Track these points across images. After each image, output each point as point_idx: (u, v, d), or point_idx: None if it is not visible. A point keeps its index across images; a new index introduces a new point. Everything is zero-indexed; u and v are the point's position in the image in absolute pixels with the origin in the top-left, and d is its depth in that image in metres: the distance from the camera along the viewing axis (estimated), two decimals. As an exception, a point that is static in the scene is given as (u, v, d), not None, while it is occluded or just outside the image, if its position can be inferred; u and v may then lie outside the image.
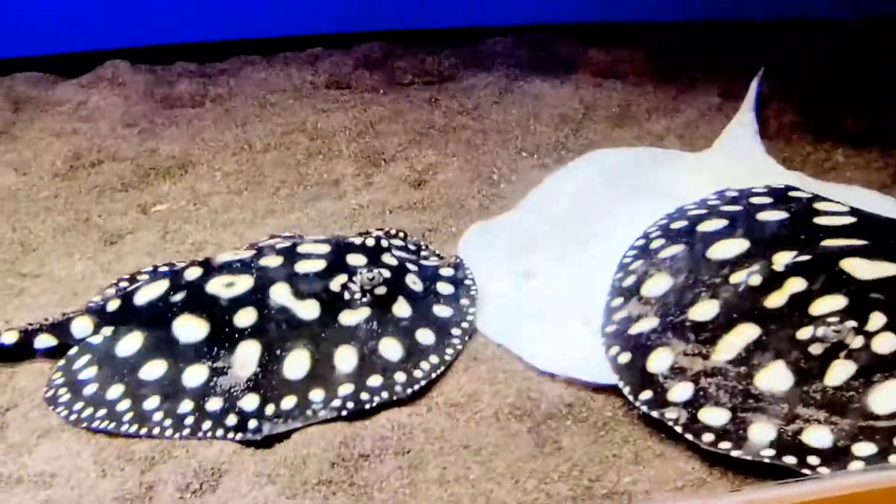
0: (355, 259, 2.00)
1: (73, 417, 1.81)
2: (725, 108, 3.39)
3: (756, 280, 1.76)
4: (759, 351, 1.66)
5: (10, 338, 2.03)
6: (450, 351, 1.89)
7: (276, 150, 3.13)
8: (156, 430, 1.77)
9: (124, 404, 1.82)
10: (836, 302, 1.69)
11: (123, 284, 2.23)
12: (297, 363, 1.81)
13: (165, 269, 2.26)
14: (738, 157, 2.84)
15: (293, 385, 1.78)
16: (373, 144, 3.18)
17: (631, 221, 2.34)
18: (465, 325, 1.97)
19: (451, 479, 1.66)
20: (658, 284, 1.88)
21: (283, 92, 3.79)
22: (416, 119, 3.39)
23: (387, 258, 2.03)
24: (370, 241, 2.05)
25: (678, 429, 1.63)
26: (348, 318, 1.88)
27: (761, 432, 1.56)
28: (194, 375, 1.83)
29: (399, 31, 4.31)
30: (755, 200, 2.14)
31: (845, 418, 1.57)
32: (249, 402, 1.77)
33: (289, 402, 1.76)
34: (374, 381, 1.81)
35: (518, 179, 2.95)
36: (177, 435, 1.75)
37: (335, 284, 1.93)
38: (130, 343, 1.95)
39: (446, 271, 2.16)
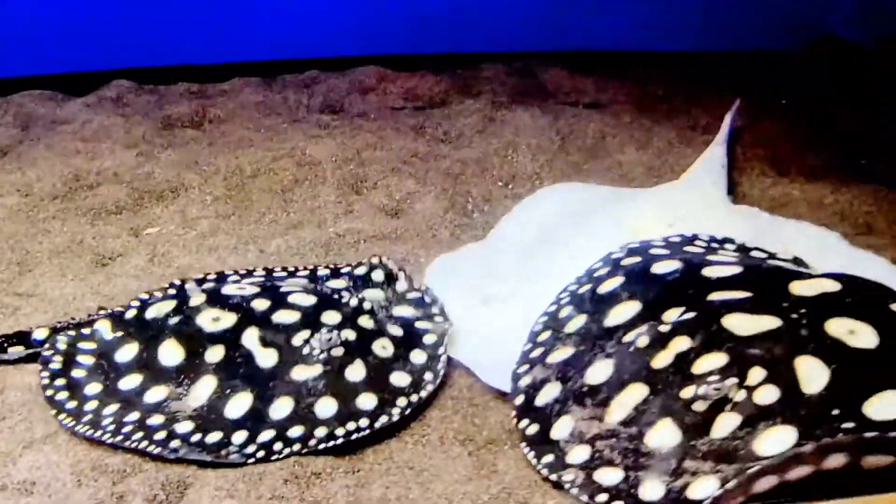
0: (330, 317, 2.09)
1: (58, 412, 2.00)
2: (696, 142, 3.53)
3: (643, 341, 1.87)
4: (648, 410, 1.77)
5: (41, 334, 2.24)
6: (384, 418, 1.96)
7: (265, 176, 3.29)
8: (103, 435, 1.93)
9: (92, 405, 2.01)
10: (718, 360, 1.80)
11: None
12: (237, 404, 1.95)
13: (191, 285, 2.39)
14: (697, 193, 2.95)
15: (226, 423, 1.93)
16: (356, 172, 3.34)
17: (587, 255, 2.48)
18: (414, 397, 2.02)
19: (392, 498, 1.82)
20: (561, 353, 2.01)
21: (277, 115, 3.97)
22: (401, 147, 3.56)
23: (364, 320, 2.11)
24: (353, 302, 2.15)
25: (574, 490, 1.73)
26: (299, 372, 1.99)
27: (651, 489, 1.67)
28: (155, 394, 2.00)
29: (395, 55, 4.51)
30: (655, 252, 2.25)
31: (733, 465, 1.66)
32: (184, 427, 1.92)
33: (213, 437, 1.90)
34: (295, 432, 1.91)
35: (490, 210, 3.10)
36: (117, 439, 1.93)
37: (297, 339, 2.03)
38: (126, 352, 2.14)
39: (423, 324, 2.23)
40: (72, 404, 2.02)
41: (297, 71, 4.37)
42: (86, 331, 2.23)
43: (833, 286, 2.02)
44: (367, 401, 1.97)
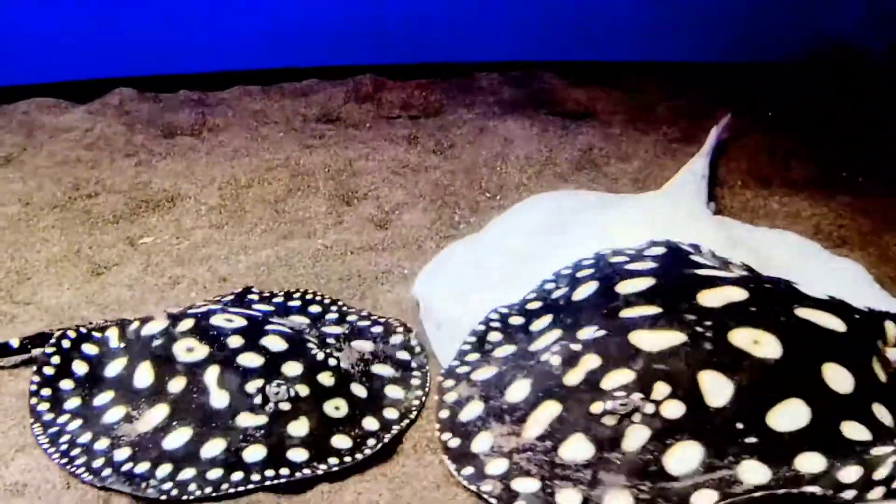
0: (290, 368, 2.09)
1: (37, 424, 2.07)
2: (681, 154, 3.58)
3: (556, 360, 1.95)
4: (561, 425, 1.85)
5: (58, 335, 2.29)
6: (307, 471, 1.94)
7: (259, 186, 3.39)
8: (54, 454, 2.00)
9: (63, 418, 2.08)
10: (625, 376, 1.87)
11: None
12: (175, 438, 1.98)
13: (199, 307, 2.44)
14: (677, 203, 3.03)
15: (159, 454, 1.95)
16: (348, 182, 3.43)
17: (568, 259, 2.55)
18: (348, 458, 1.99)
19: (363, 502, 1.91)
20: (485, 372, 2.08)
21: (274, 124, 4.07)
22: (392, 157, 3.64)
23: (324, 377, 2.08)
24: (320, 356, 2.13)
25: (493, 500, 1.80)
26: (244, 418, 2.00)
27: (567, 498, 1.75)
28: (114, 414, 2.07)
29: (393, 64, 4.59)
30: (581, 275, 2.32)
31: (644, 481, 1.75)
32: (122, 453, 1.97)
33: (142, 466, 1.94)
34: (213, 474, 1.92)
35: (477, 221, 3.17)
36: (62, 461, 1.98)
37: (251, 386, 2.03)
38: (115, 366, 2.20)
39: (394, 391, 2.20)
40: (48, 416, 2.08)
41: (295, 79, 4.47)
42: (98, 334, 2.30)
43: (740, 294, 2.07)
44: (297, 454, 1.96)
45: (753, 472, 1.76)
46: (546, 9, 4.51)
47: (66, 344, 2.26)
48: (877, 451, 1.80)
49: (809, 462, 1.78)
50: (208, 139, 3.90)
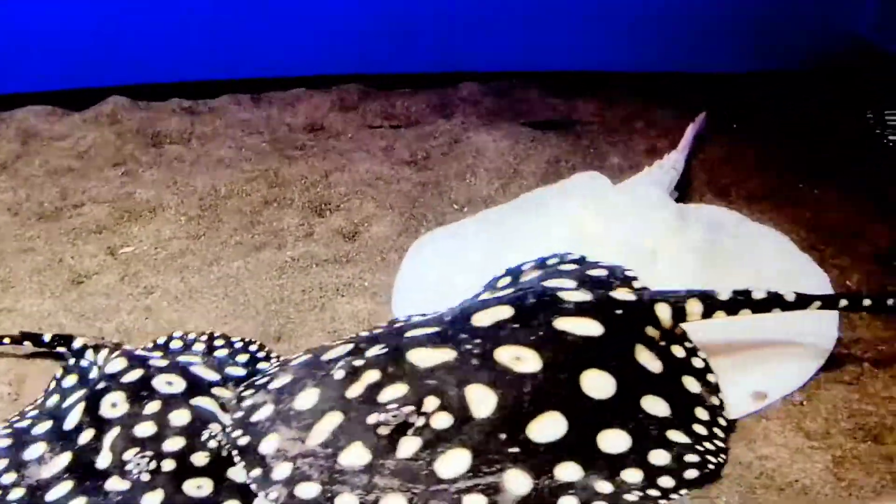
0: (172, 443, 2.09)
1: None
2: (646, 166, 3.60)
3: (340, 374, 2.09)
4: (342, 434, 1.99)
5: (79, 343, 2.49)
6: None
7: (238, 197, 3.55)
8: None
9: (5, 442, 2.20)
10: (399, 390, 2.03)
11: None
12: (58, 490, 2.05)
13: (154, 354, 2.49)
14: (643, 193, 3.21)
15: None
16: (322, 194, 3.58)
17: (537, 244, 2.83)
18: None
19: None
20: (282, 380, 2.21)
21: (259, 134, 4.22)
22: (367, 169, 3.78)
23: (198, 457, 2.07)
24: (204, 436, 2.12)
25: None
26: (113, 483, 2.03)
27: (344, 502, 1.87)
28: (34, 450, 2.16)
29: (380, 74, 4.72)
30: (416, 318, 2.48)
31: (417, 484, 1.90)
32: (14, 494, 2.05)
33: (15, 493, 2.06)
34: None
35: (442, 232, 3.33)
36: None
37: (129, 453, 2.07)
38: (76, 398, 2.30)
39: None
40: (4, 442, 2.19)
41: (284, 88, 4.62)
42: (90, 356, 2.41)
43: (507, 312, 2.26)
44: None
45: (516, 481, 1.93)
46: (531, 19, 4.64)
47: (80, 355, 2.40)
48: (627, 475, 1.98)
49: (567, 472, 1.95)
50: (195, 148, 4.06)
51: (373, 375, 2.08)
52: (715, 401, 2.26)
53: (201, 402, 2.22)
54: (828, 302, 2.43)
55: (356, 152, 3.96)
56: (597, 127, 4.21)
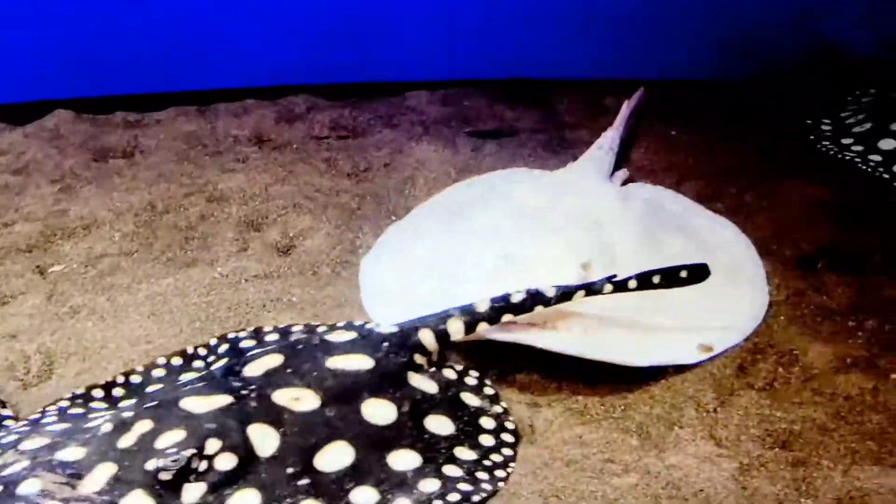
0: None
1: None
2: None
3: (108, 427, 2.08)
4: (119, 483, 1.96)
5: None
6: None
7: (174, 212, 3.53)
8: None
9: None
10: (176, 435, 2.04)
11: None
12: None
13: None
14: (583, 174, 3.42)
15: None
16: (259, 208, 3.57)
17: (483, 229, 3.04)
18: None
19: None
20: (35, 442, 2.16)
21: (203, 147, 4.19)
22: (307, 181, 3.78)
23: None
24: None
25: None
26: None
27: None
28: None
29: (329, 84, 4.72)
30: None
31: None
32: None
33: None
34: None
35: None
36: None
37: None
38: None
39: None
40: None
41: (231, 100, 4.60)
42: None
43: (276, 360, 2.35)
44: None
45: None
46: (480, 28, 4.66)
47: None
48: (424, 483, 2.10)
49: (363, 495, 2.05)
50: (138, 162, 4.03)
51: (145, 425, 2.08)
52: (498, 409, 2.40)
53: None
54: (591, 289, 2.54)
55: (298, 164, 3.96)
56: (541, 135, 4.23)
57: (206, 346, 2.64)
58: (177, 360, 2.58)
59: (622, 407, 2.45)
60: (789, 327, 2.69)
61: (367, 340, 2.47)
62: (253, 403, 2.17)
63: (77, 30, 4.48)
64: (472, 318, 2.50)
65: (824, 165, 3.75)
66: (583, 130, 4.21)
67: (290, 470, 2.06)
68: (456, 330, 2.49)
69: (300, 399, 2.22)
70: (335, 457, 2.11)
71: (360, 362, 2.37)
